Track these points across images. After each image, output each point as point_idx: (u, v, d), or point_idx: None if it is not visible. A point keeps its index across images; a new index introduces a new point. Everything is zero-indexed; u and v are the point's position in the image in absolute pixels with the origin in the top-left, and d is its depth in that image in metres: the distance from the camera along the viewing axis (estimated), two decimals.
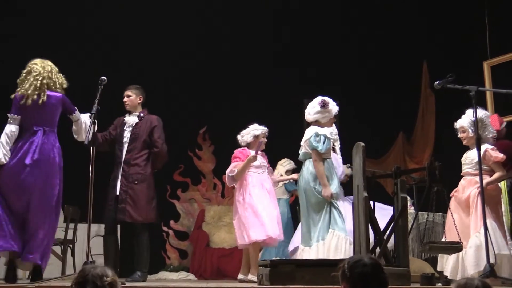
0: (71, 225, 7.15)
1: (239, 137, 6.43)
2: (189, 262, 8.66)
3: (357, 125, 6.49)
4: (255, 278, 5.69)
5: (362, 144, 5.24)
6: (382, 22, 8.84)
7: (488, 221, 5.21)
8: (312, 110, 5.92)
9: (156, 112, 8.24)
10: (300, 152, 5.93)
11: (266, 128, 6.46)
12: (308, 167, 5.73)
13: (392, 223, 4.99)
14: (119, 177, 5.83)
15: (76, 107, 5.23)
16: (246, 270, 6.07)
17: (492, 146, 5.70)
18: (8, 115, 4.98)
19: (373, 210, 5.08)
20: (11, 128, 4.95)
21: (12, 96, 5.03)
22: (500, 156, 5.57)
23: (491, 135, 5.77)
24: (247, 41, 8.81)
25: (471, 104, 5.34)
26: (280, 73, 8.85)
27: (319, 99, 5.93)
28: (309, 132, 5.81)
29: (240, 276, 6.15)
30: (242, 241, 6.05)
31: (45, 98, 4.95)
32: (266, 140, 6.42)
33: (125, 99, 6.04)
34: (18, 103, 4.95)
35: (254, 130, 6.39)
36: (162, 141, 5.94)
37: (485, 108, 7.73)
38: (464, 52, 8.41)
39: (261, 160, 6.35)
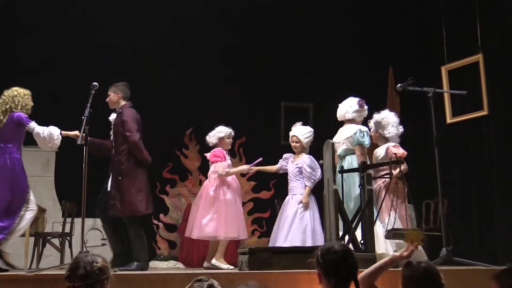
0: (69, 220, 7.15)
1: (207, 138, 6.62)
2: (178, 252, 8.64)
3: (330, 126, 6.53)
4: (218, 264, 6.03)
5: (332, 141, 5.30)
6: (351, 29, 8.90)
7: (392, 213, 5.33)
8: (350, 109, 6.03)
9: (145, 115, 8.29)
10: (340, 149, 5.92)
11: (230, 130, 6.61)
12: (351, 161, 5.74)
13: (360, 213, 5.04)
14: (110, 173, 5.80)
15: (31, 121, 5.45)
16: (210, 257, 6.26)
17: (394, 144, 5.85)
18: None
19: (342, 202, 5.12)
20: None
21: None
22: (401, 151, 5.71)
23: (389, 135, 5.90)
24: (230, 44, 8.79)
25: (429, 105, 5.45)
26: (261, 77, 8.87)
27: (356, 99, 6.08)
28: (352, 129, 5.87)
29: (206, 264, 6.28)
30: (216, 233, 6.17)
31: (4, 120, 5.40)
32: (231, 140, 6.67)
33: (107, 99, 5.97)
34: None
35: (219, 133, 6.57)
36: (131, 133, 5.70)
37: (443, 109, 7.88)
38: (425, 58, 8.50)
39: (229, 160, 6.58)
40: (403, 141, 6.30)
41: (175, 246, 8.76)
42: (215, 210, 6.23)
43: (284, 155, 6.71)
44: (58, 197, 7.62)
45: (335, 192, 4.91)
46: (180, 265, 8.17)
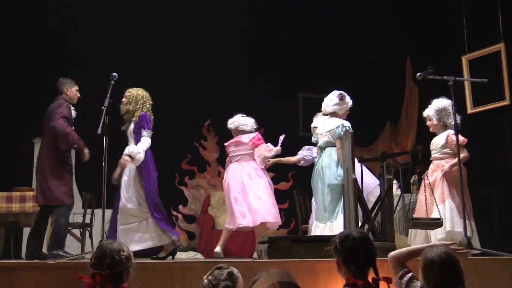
0: (89, 211, 7.21)
1: (239, 123, 6.59)
2: (197, 242, 8.70)
3: (350, 117, 6.51)
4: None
5: (351, 130, 5.28)
6: (369, 20, 8.84)
7: (447, 201, 5.30)
8: (330, 102, 6.00)
9: (164, 107, 8.35)
10: (321, 140, 5.97)
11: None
12: (331, 153, 5.78)
13: (379, 202, 5.02)
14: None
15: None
16: None
17: (453, 131, 5.76)
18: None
19: (361, 190, 5.10)
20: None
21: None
22: (462, 138, 5.65)
23: (453, 122, 5.83)
24: (249, 35, 8.79)
25: (449, 94, 5.39)
26: (280, 69, 8.85)
27: (336, 92, 6.02)
28: (335, 123, 5.85)
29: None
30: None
31: None
32: None
33: (79, 94, 5.98)
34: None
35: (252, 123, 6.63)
36: None
37: (464, 99, 7.80)
38: (445, 48, 8.42)
39: None
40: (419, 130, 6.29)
41: (194, 237, 8.81)
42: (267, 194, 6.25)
43: (306, 147, 6.70)
44: (78, 188, 7.67)
45: (354, 181, 4.89)
46: (199, 255, 8.21)
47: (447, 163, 5.67)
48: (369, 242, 2.99)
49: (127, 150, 5.59)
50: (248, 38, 8.80)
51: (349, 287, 2.86)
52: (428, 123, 6.02)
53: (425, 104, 8.38)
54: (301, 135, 8.93)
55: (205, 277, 3.04)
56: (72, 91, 5.87)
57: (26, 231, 6.98)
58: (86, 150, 5.64)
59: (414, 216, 5.03)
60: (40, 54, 8.02)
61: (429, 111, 5.98)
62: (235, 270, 3.03)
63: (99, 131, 4.83)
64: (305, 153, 6.65)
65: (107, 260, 2.80)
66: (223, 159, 8.92)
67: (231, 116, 6.90)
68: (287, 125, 8.92)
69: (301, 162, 6.69)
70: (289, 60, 8.90)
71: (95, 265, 2.84)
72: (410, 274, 2.99)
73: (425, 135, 6.61)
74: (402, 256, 3.11)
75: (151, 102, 5.97)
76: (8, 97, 7.97)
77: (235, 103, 8.30)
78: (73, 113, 5.91)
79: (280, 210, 8.63)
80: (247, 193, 6.22)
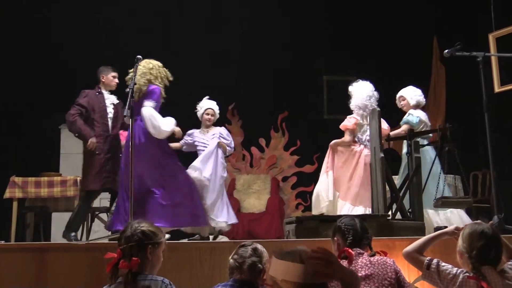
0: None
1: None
2: None
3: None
4: None
5: (378, 109, 5.21)
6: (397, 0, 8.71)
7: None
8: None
9: (188, 91, 8.39)
10: None
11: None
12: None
13: (407, 181, 4.95)
14: (109, 150, 5.76)
15: (149, 100, 5.29)
16: None
17: None
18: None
19: (389, 170, 5.03)
20: None
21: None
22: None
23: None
24: (271, 17, 8.70)
25: (479, 75, 5.24)
26: (303, 51, 8.76)
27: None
28: None
29: None
30: None
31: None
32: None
33: (116, 80, 5.99)
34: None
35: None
36: None
37: (491, 78, 7.65)
38: (471, 26, 8.24)
39: None
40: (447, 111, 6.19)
41: None
42: None
43: (188, 131, 6.72)
44: None
45: (382, 160, 4.83)
46: (225, 239, 8.20)
47: None
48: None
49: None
50: (271, 20, 8.69)
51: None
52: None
53: (453, 84, 8.35)
54: (326, 118, 8.89)
55: (230, 257, 3.02)
56: (108, 77, 5.96)
57: (55, 215, 7.07)
58: (91, 140, 5.65)
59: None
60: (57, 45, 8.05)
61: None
62: (259, 246, 3.05)
63: (125, 113, 4.80)
64: (186, 138, 6.68)
65: (125, 234, 2.87)
66: (247, 143, 8.94)
67: (255, 98, 6.88)
68: (311, 108, 8.90)
69: (184, 147, 6.71)
70: (312, 42, 8.79)
71: (119, 240, 2.91)
72: (435, 260, 2.98)
73: (455, 115, 6.50)
74: (418, 249, 3.12)
75: (164, 74, 5.53)
76: (36, 84, 8.02)
77: (259, 86, 8.27)
78: (109, 100, 5.93)
79: (305, 192, 8.70)
80: None
